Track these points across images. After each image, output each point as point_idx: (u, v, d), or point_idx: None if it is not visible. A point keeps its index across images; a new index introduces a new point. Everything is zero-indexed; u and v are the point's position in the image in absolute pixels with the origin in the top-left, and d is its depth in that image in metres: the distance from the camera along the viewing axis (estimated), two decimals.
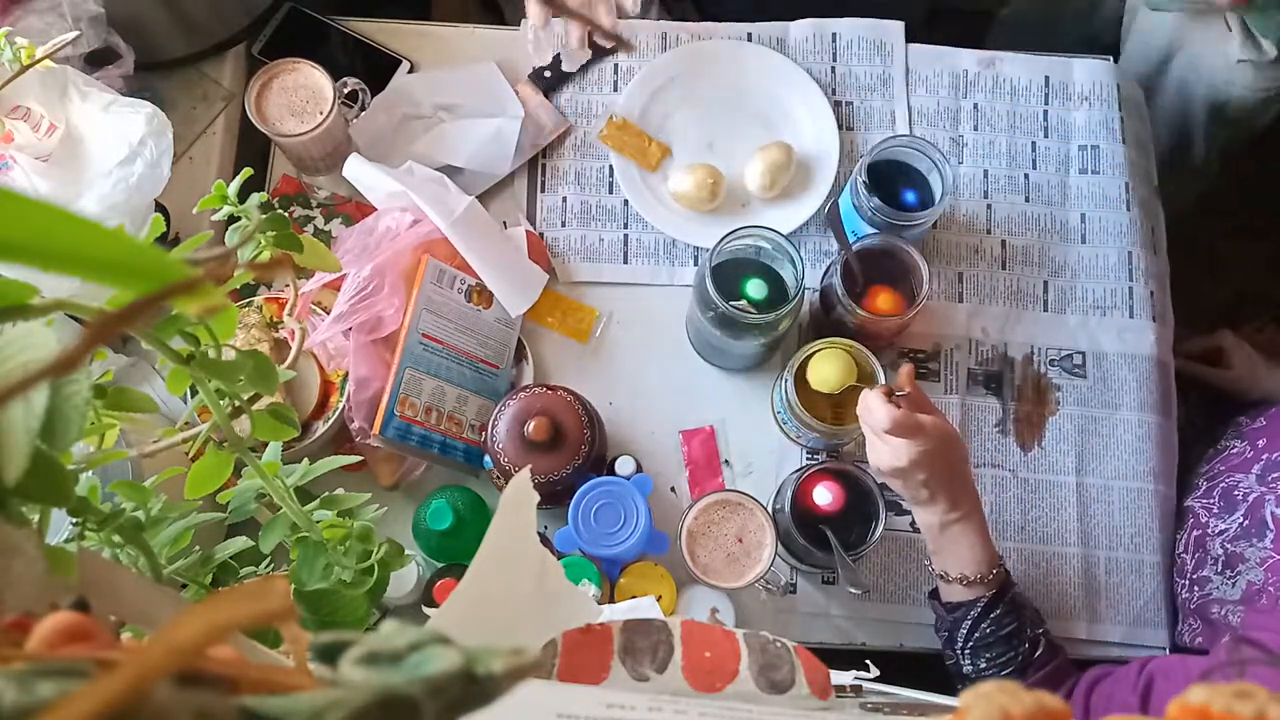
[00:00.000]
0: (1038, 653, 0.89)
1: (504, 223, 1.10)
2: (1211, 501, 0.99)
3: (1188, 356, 1.17)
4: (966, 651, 0.89)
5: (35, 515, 0.42)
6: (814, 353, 0.96)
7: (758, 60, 1.16)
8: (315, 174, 1.11)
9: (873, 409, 0.84)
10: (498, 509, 0.44)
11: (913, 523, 1.04)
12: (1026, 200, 1.15)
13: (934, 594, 0.96)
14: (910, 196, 1.04)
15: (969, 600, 0.89)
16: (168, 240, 1.02)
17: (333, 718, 0.20)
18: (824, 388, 0.95)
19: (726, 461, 1.05)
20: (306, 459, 0.65)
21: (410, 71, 1.15)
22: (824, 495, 0.92)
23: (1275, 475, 0.94)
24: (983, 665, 0.89)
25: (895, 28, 1.19)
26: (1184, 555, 1.01)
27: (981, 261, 1.12)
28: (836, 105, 1.16)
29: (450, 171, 1.07)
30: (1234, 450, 1.02)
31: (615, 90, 1.16)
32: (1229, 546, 0.95)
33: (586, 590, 0.89)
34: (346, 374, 0.96)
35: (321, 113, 1.00)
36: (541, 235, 1.11)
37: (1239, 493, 0.97)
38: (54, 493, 0.38)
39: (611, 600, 0.94)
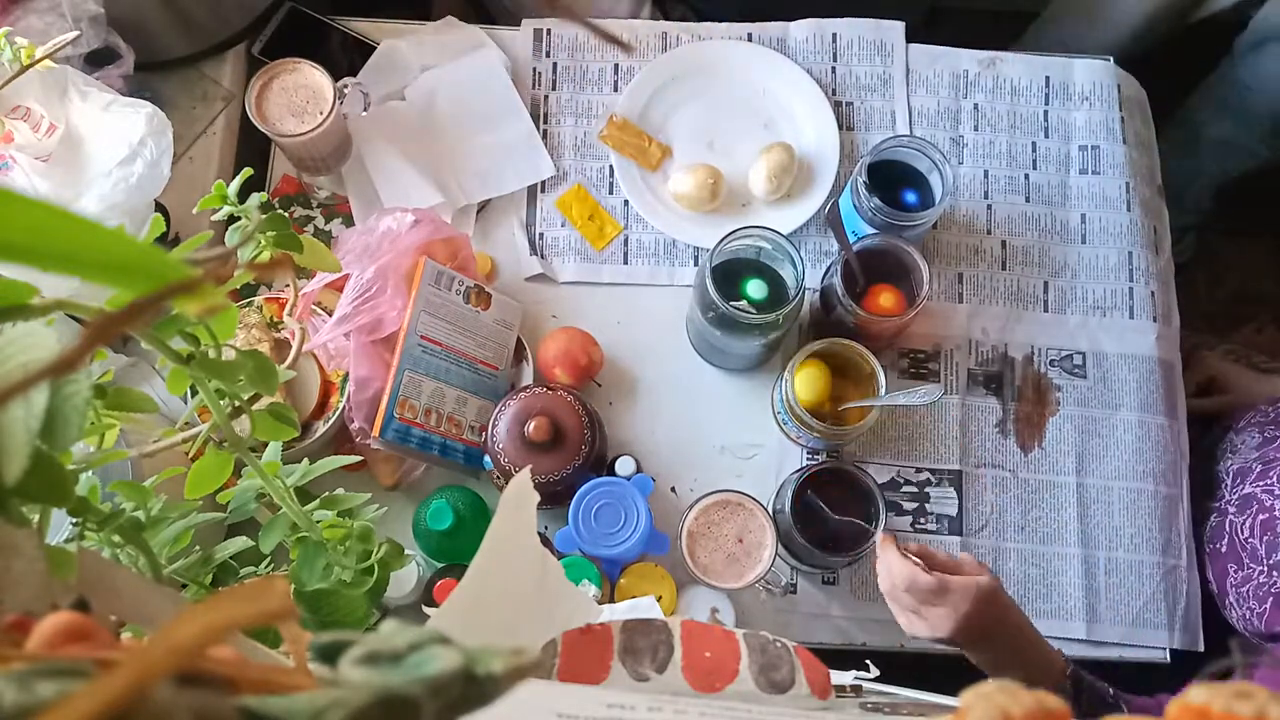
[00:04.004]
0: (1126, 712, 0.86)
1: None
2: (1271, 483, 0.99)
3: (1187, 395, 1.17)
4: None
5: (35, 515, 0.42)
6: (802, 363, 0.96)
7: (758, 60, 1.16)
8: (315, 174, 1.11)
9: (893, 569, 0.83)
10: (498, 509, 0.44)
11: (913, 523, 1.04)
12: (1027, 200, 1.15)
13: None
14: (910, 197, 1.04)
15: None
16: (168, 240, 1.02)
17: (333, 718, 0.20)
18: (808, 397, 0.96)
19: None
20: (306, 459, 0.65)
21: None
22: (824, 495, 0.92)
23: None
24: None
25: (895, 28, 1.19)
26: (1251, 540, 0.99)
27: (982, 262, 1.12)
28: (836, 105, 1.16)
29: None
30: None
31: (615, 90, 1.16)
32: None
33: (586, 590, 0.89)
34: (346, 374, 0.96)
35: (321, 113, 1.00)
36: (541, 235, 1.11)
37: None
38: (54, 493, 0.38)
39: (611, 600, 0.94)
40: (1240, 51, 1.41)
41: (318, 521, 0.60)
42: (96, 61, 1.01)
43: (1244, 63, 1.41)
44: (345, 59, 1.14)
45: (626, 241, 1.12)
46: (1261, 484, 1.00)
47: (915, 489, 1.05)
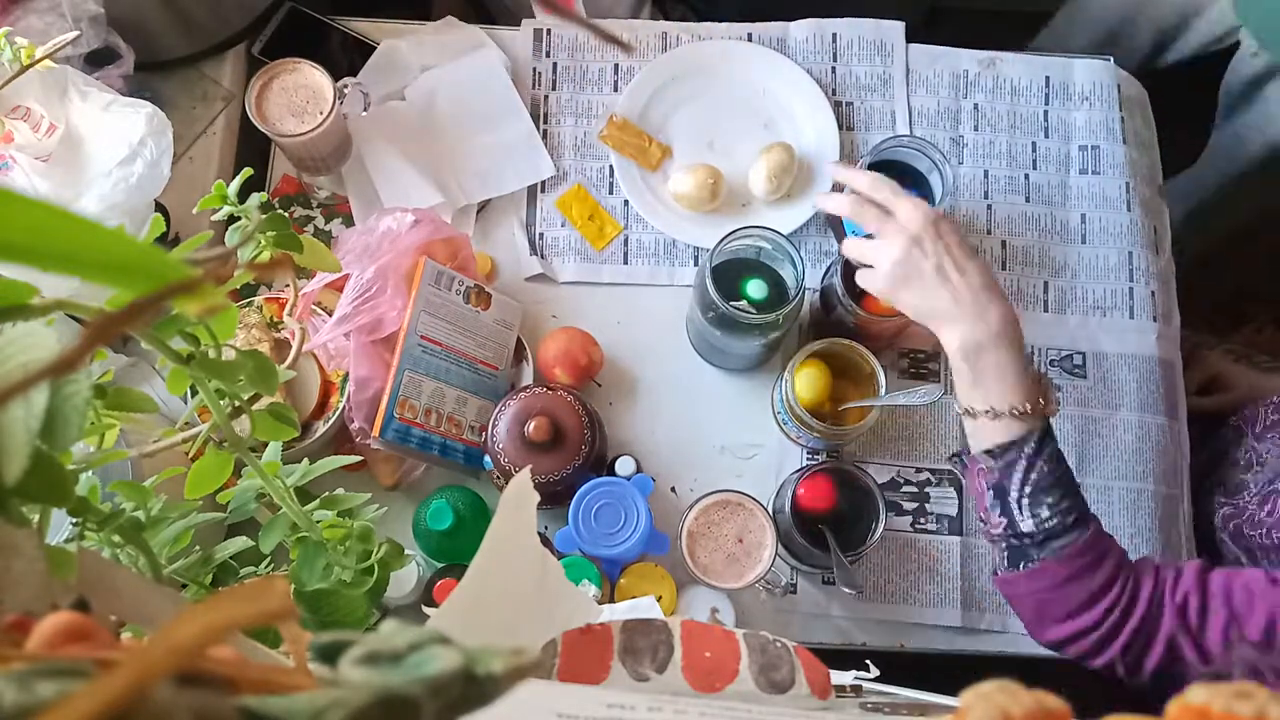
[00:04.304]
0: (1088, 504, 0.81)
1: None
2: None
3: (1187, 394, 1.16)
4: (1024, 502, 0.78)
5: (35, 515, 0.42)
6: (802, 363, 0.96)
7: (758, 60, 1.16)
8: (315, 174, 1.11)
9: (839, 175, 0.85)
10: (498, 509, 0.44)
11: (913, 523, 1.04)
12: (1027, 200, 1.15)
13: (959, 457, 0.88)
14: None
15: (1021, 435, 0.78)
16: (168, 240, 1.02)
17: (333, 718, 0.20)
18: (809, 397, 0.96)
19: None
20: (306, 459, 0.65)
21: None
22: (823, 495, 0.92)
23: None
24: (1045, 514, 0.77)
25: (895, 28, 1.19)
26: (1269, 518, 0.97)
27: None
28: (836, 105, 1.16)
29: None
30: None
31: (615, 90, 1.16)
32: None
33: (586, 590, 0.89)
34: (347, 374, 0.96)
35: (321, 113, 1.00)
36: (541, 235, 1.11)
37: None
38: (54, 493, 0.38)
39: (611, 600, 0.94)
40: (1228, 103, 1.31)
41: (318, 521, 0.60)
42: (96, 61, 1.01)
43: (1239, 112, 1.31)
44: (345, 59, 1.14)
45: (626, 241, 1.12)
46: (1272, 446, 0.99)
47: (915, 489, 1.05)
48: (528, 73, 1.17)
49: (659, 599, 0.90)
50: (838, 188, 0.98)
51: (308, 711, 0.20)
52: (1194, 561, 0.80)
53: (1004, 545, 0.81)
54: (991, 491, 0.80)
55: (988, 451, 0.80)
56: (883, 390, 0.94)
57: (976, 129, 1.17)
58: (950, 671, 0.97)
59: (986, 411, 0.79)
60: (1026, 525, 0.78)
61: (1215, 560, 1.05)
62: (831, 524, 0.92)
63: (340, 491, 0.64)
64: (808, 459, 1.05)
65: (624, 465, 0.97)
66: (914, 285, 0.82)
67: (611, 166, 1.13)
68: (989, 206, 1.14)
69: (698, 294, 0.97)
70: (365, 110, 1.10)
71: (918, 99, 1.17)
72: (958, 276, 0.80)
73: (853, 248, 0.87)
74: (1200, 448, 1.12)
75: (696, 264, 1.11)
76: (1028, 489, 0.78)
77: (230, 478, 0.56)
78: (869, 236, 1.00)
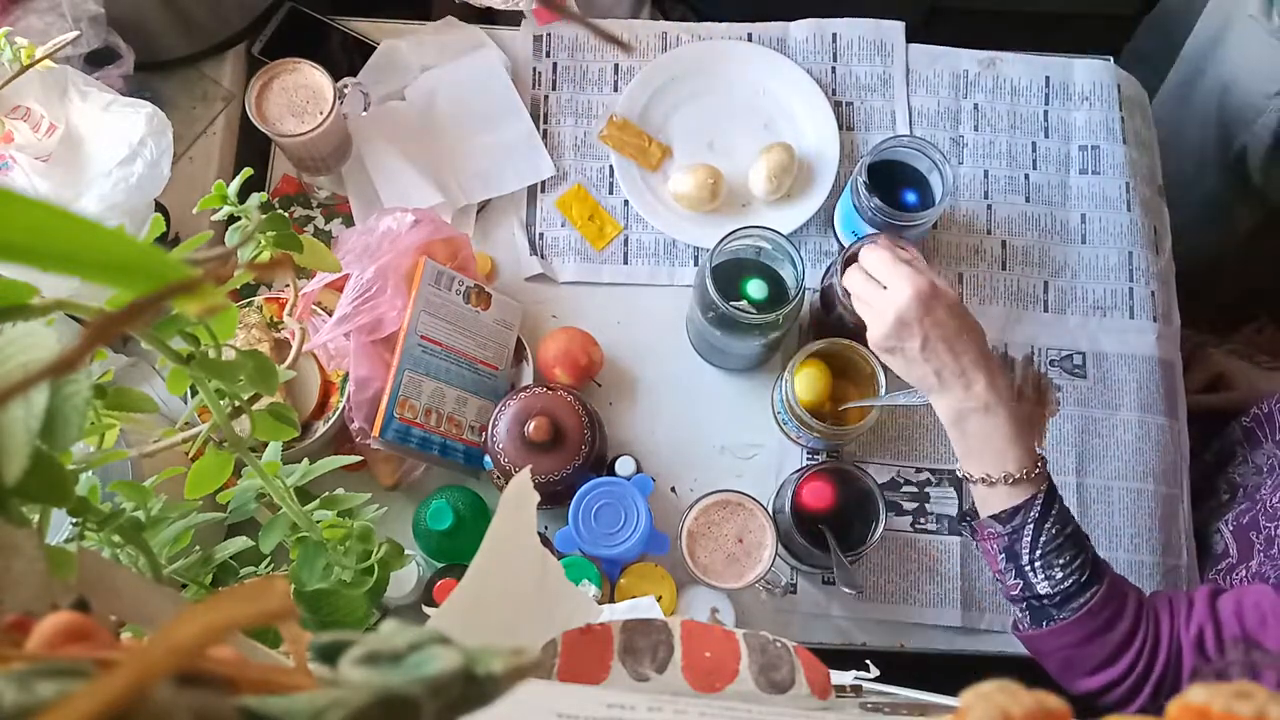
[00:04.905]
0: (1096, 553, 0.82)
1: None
2: None
3: (1191, 392, 1.15)
4: (1037, 565, 0.79)
5: (35, 515, 0.42)
6: (802, 363, 0.96)
7: (758, 60, 1.16)
8: (315, 174, 1.11)
9: (864, 255, 0.83)
10: (498, 509, 0.44)
11: (913, 523, 1.04)
12: (1027, 200, 1.15)
13: (967, 520, 0.87)
14: (910, 197, 1.04)
15: (1024, 501, 0.79)
16: (168, 240, 1.02)
17: (333, 718, 0.20)
18: (809, 397, 0.96)
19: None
20: (306, 459, 0.65)
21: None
22: (823, 495, 0.92)
23: None
24: (1059, 575, 0.79)
25: (895, 28, 1.19)
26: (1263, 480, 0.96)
27: (982, 262, 1.12)
28: (836, 105, 1.16)
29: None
30: None
31: (615, 90, 1.16)
32: None
33: (586, 590, 0.89)
34: (347, 374, 0.96)
35: (321, 113, 1.00)
36: (541, 235, 1.11)
37: None
38: (54, 493, 0.38)
39: (611, 600, 0.94)
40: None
41: (318, 521, 0.60)
42: (96, 61, 1.01)
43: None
44: (345, 59, 1.14)
45: (626, 241, 1.12)
46: None
47: (915, 489, 1.05)
48: (528, 73, 1.17)
49: (659, 599, 0.90)
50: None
51: (308, 711, 0.20)
52: (1202, 589, 0.80)
53: (1023, 605, 0.82)
54: (1003, 555, 0.81)
55: (994, 517, 0.81)
56: (883, 390, 0.94)
57: (976, 129, 1.17)
58: (950, 671, 0.97)
59: (983, 478, 0.81)
60: (1043, 588, 0.79)
61: (1203, 554, 1.05)
62: (831, 524, 0.92)
63: (340, 491, 0.64)
64: (808, 459, 1.05)
65: (624, 465, 0.97)
66: (898, 359, 0.83)
67: (611, 166, 1.13)
68: (989, 206, 1.14)
69: (698, 294, 0.97)
70: (365, 110, 1.10)
71: (918, 99, 1.17)
72: (944, 353, 0.80)
73: (858, 305, 0.87)
74: (1204, 447, 1.12)
75: (696, 264, 1.11)
76: (1039, 552, 0.79)
77: (230, 478, 0.56)
78: (868, 236, 1.00)
